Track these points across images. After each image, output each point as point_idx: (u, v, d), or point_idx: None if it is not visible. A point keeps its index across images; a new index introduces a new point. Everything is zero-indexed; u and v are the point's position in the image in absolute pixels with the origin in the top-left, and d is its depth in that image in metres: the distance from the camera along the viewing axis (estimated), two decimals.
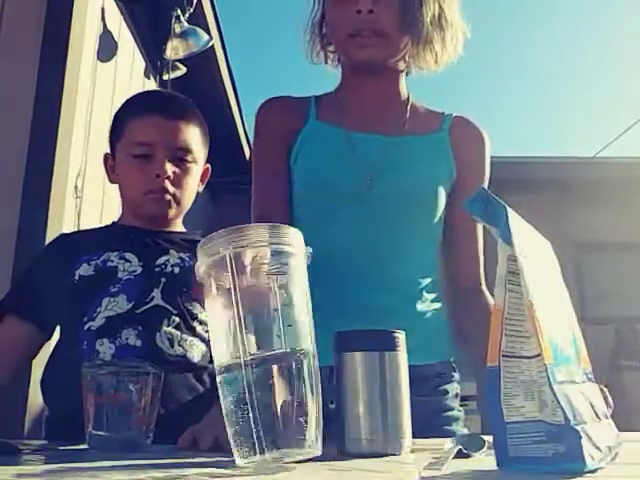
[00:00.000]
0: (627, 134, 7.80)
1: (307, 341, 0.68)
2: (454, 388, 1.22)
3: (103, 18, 3.02)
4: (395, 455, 0.77)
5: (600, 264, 6.62)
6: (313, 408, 0.66)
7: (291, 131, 1.24)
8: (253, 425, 0.63)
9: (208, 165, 1.44)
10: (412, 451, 0.80)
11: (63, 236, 1.48)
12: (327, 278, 1.11)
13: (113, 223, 1.43)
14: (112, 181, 1.40)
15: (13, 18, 2.53)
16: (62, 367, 1.22)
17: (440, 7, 1.17)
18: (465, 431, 1.19)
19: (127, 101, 1.44)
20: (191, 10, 3.56)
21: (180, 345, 1.22)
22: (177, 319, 1.24)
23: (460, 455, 0.73)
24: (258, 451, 0.63)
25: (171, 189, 1.30)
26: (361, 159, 1.19)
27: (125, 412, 0.88)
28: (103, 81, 2.96)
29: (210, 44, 3.70)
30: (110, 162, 1.38)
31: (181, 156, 1.32)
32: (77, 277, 1.26)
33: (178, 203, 1.34)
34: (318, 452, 0.67)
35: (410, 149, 1.23)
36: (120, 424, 0.88)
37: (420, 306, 1.20)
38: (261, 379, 0.65)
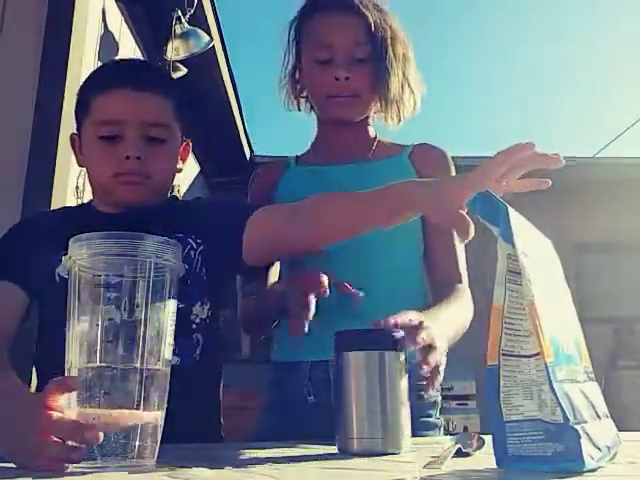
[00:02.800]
0: (626, 135, 7.80)
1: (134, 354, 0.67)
2: (433, 396, 1.25)
3: (104, 19, 3.03)
4: (395, 454, 0.78)
5: (598, 264, 6.63)
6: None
7: (273, 184, 1.39)
8: None
9: (188, 140, 1.28)
10: (412, 450, 0.80)
11: (40, 215, 1.38)
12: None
13: (89, 203, 1.30)
14: (81, 164, 1.25)
15: (14, 19, 2.54)
16: (55, 347, 1.16)
17: (404, 75, 1.33)
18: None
19: (92, 73, 1.28)
20: (192, 11, 3.56)
21: (176, 354, 1.13)
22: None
23: (459, 454, 0.74)
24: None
25: (144, 170, 1.15)
26: (329, 184, 1.27)
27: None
28: None
29: (211, 45, 3.71)
30: (78, 142, 1.23)
31: (154, 133, 1.16)
32: (57, 278, 1.13)
33: (153, 186, 1.18)
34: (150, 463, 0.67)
35: (376, 170, 1.32)
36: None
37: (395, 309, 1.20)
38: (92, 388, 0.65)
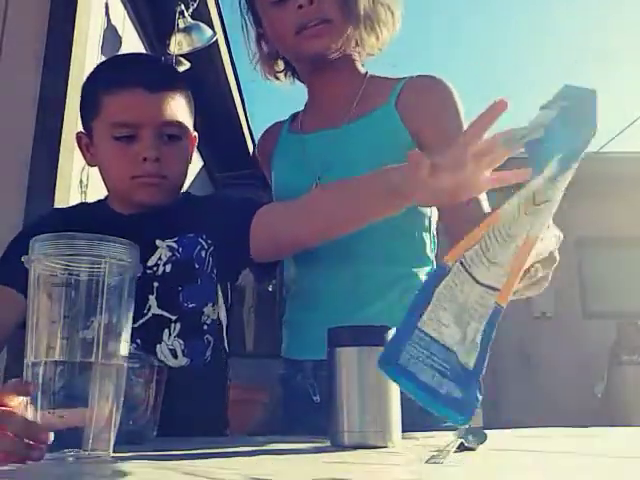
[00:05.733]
0: (631, 129, 7.77)
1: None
2: None
3: (107, 13, 3.02)
4: (386, 447, 0.78)
5: (602, 259, 6.62)
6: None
7: (270, 153, 1.36)
8: None
9: (195, 133, 1.26)
10: (413, 444, 0.80)
11: (55, 212, 1.39)
12: (294, 277, 1.28)
13: (104, 201, 1.29)
14: (90, 164, 1.23)
15: (17, 14, 2.53)
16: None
17: None
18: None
19: (98, 69, 1.24)
20: (195, 5, 3.56)
21: (185, 355, 1.13)
22: (178, 325, 1.13)
23: (462, 448, 0.74)
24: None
25: (162, 172, 1.14)
26: (310, 158, 1.24)
27: (130, 405, 0.89)
28: None
29: (214, 39, 3.71)
30: (85, 141, 1.20)
31: (169, 131, 1.15)
32: None
33: (170, 186, 1.18)
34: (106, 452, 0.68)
35: (356, 136, 1.21)
36: (125, 417, 0.89)
37: (384, 298, 1.19)
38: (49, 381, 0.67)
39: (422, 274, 1.22)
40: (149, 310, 1.13)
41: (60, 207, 1.42)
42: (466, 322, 0.55)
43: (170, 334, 1.13)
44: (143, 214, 1.18)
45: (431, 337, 0.55)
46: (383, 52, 1.30)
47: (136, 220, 1.17)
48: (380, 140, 1.20)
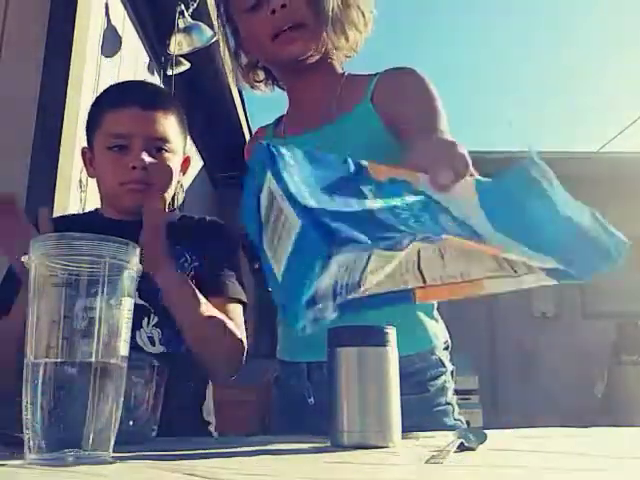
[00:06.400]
0: (631, 129, 7.77)
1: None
2: (439, 382, 1.18)
3: (107, 13, 3.02)
4: (386, 447, 0.78)
5: None
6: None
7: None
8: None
9: (188, 155, 1.41)
10: (413, 444, 0.80)
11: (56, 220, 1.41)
12: None
13: (96, 210, 1.43)
14: (91, 175, 1.37)
15: (18, 14, 2.54)
16: None
17: None
18: (461, 421, 1.18)
19: (102, 92, 1.41)
20: (195, 5, 3.56)
21: (162, 344, 1.23)
22: (156, 317, 1.24)
23: (462, 448, 0.74)
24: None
25: (148, 180, 1.26)
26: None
27: (130, 405, 0.89)
28: (107, 76, 2.96)
29: (214, 39, 3.70)
30: (88, 155, 1.35)
31: (158, 146, 1.29)
32: None
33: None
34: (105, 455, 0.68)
35: (334, 137, 1.20)
36: (125, 417, 0.89)
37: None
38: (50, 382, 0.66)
39: None
40: None
41: (52, 217, 1.45)
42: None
43: (149, 323, 1.24)
44: (135, 221, 1.22)
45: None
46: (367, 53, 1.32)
47: (127, 225, 1.21)
48: (360, 140, 1.19)
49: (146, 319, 1.23)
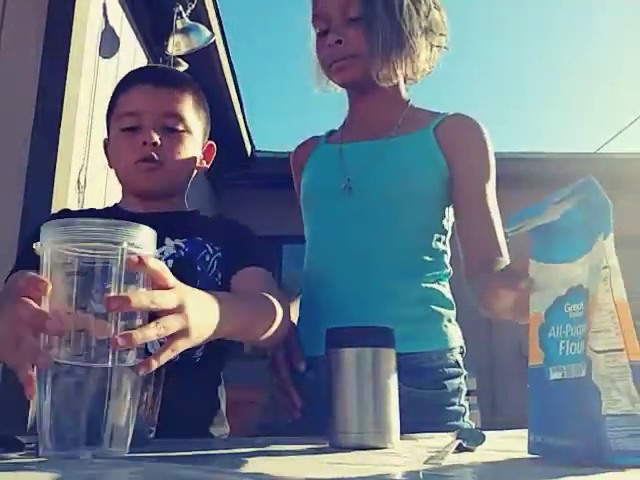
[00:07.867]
0: (629, 130, 7.78)
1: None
2: (456, 383, 1.20)
3: (105, 14, 3.02)
4: (383, 448, 0.78)
5: None
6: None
7: (302, 163, 1.42)
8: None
9: (212, 142, 1.34)
10: (411, 445, 0.80)
11: (65, 213, 1.39)
12: (312, 273, 1.30)
13: (115, 205, 1.33)
14: (110, 165, 1.31)
15: (16, 15, 2.54)
16: None
17: (405, 26, 1.25)
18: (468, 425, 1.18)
19: (123, 79, 1.35)
20: (193, 6, 3.56)
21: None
22: None
23: (460, 449, 0.74)
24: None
25: (158, 156, 1.19)
26: (345, 164, 1.29)
27: None
28: (105, 77, 2.96)
29: (212, 40, 3.71)
30: (108, 145, 1.30)
31: (171, 124, 1.22)
32: None
33: (167, 172, 1.22)
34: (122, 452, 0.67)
35: (392, 148, 1.27)
36: None
37: (406, 291, 1.21)
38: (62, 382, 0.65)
39: (431, 279, 1.25)
40: None
41: (69, 209, 1.42)
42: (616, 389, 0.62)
43: None
44: (157, 214, 1.21)
45: (616, 415, 0.62)
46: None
47: (149, 218, 1.17)
48: (418, 155, 1.26)
49: None
